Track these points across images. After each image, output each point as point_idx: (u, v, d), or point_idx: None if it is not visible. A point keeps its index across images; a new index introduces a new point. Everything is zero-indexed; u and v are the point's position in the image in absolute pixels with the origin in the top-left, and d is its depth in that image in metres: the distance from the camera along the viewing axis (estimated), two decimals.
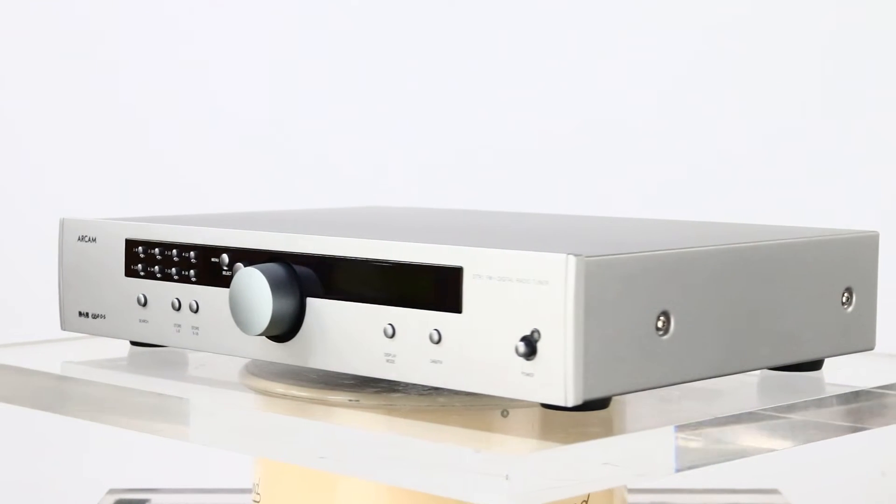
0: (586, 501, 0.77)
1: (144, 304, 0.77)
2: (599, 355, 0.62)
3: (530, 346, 0.62)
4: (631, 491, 0.89)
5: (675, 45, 1.36)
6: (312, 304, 0.70)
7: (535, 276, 0.62)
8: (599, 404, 0.65)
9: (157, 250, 0.77)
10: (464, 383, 0.65)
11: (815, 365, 0.75)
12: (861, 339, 0.75)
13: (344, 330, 0.69)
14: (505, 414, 0.69)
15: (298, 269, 0.70)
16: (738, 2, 1.35)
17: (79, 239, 0.80)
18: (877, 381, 0.74)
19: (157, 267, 0.77)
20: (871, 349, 0.76)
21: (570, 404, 0.62)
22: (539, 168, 1.35)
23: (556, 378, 0.62)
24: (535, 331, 0.62)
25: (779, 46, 1.35)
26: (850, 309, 0.74)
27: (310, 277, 0.70)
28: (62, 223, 0.81)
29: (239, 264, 0.73)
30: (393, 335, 0.67)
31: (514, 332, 0.63)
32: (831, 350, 0.74)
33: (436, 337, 0.65)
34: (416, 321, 0.66)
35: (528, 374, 0.62)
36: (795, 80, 1.34)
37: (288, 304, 0.70)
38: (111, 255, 0.79)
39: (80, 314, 0.80)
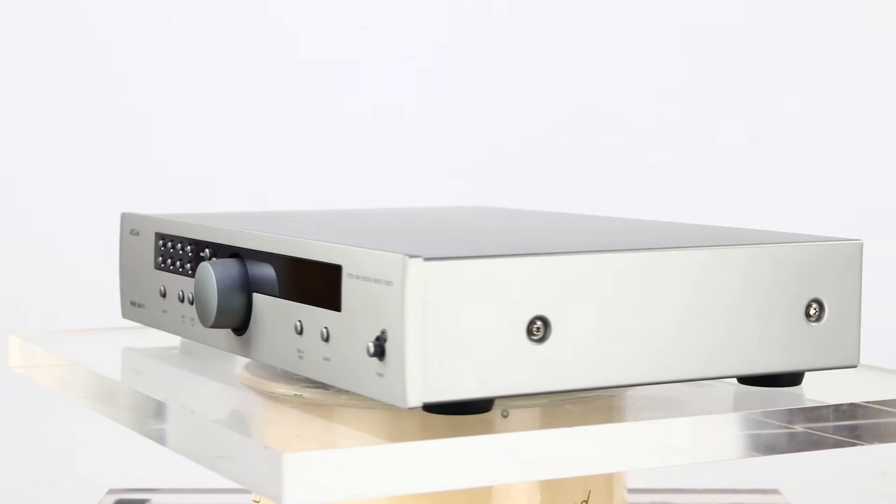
0: (586, 501, 0.75)
1: (164, 296, 0.81)
2: (446, 358, 0.61)
3: (379, 346, 0.62)
4: (631, 491, 0.86)
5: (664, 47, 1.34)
6: (256, 299, 0.72)
7: (384, 277, 0.62)
8: (479, 407, 0.64)
9: (170, 244, 0.81)
10: (344, 382, 0.65)
11: (793, 379, 0.71)
12: (836, 355, 0.70)
13: (272, 325, 0.71)
14: (505, 414, 0.68)
15: (250, 265, 0.73)
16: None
17: (130, 233, 0.85)
18: (826, 399, 0.69)
19: (169, 260, 0.81)
20: (854, 366, 0.70)
21: (409, 406, 0.61)
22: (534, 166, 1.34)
23: (399, 379, 0.61)
24: (384, 331, 0.62)
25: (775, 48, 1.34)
26: (820, 322, 0.69)
27: (255, 273, 0.72)
28: (122, 218, 0.87)
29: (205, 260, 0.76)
30: (301, 332, 0.68)
31: (370, 333, 0.63)
32: (789, 365, 0.69)
33: (325, 334, 0.66)
34: (312, 318, 0.67)
35: (380, 375, 0.62)
36: (794, 80, 1.35)
37: (233, 299, 0.72)
38: (148, 249, 0.83)
39: (132, 304, 0.86)
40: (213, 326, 0.73)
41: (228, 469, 0.62)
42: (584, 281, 0.64)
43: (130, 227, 0.86)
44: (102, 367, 0.81)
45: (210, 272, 0.72)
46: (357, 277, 0.64)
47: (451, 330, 0.61)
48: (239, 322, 0.73)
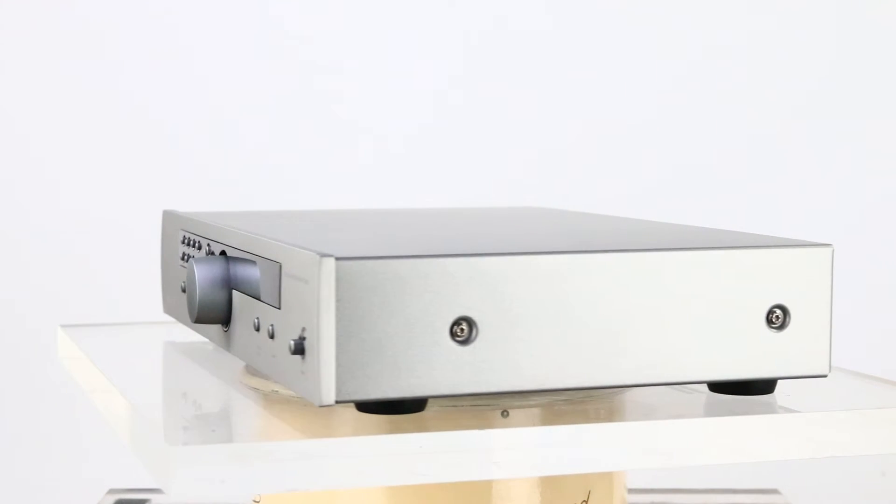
0: (586, 501, 0.74)
1: (183, 291, 0.83)
2: (361, 357, 0.61)
3: (300, 345, 0.63)
4: (631, 491, 0.84)
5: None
6: (235, 296, 0.73)
7: (303, 276, 0.62)
8: (412, 406, 0.64)
9: (189, 241, 0.83)
10: (281, 379, 0.66)
11: (765, 387, 0.68)
12: (803, 364, 0.67)
13: (242, 322, 0.72)
14: (505, 415, 0.69)
15: (231, 262, 0.74)
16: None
17: (167, 230, 0.88)
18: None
19: (187, 257, 0.83)
20: (823, 375, 0.68)
21: (323, 404, 0.62)
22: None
23: (315, 377, 0.62)
24: (304, 329, 0.63)
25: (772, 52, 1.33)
26: (784, 330, 0.67)
27: (234, 270, 0.73)
28: (163, 215, 0.89)
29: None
30: (258, 329, 0.69)
31: (296, 331, 0.64)
32: (749, 373, 0.67)
33: (270, 332, 0.67)
34: (264, 316, 0.68)
35: (302, 373, 0.63)
36: (791, 83, 1.34)
37: (214, 295, 0.74)
38: (176, 246, 0.86)
39: (169, 299, 0.88)
40: (196, 321, 0.74)
41: (144, 458, 0.64)
42: (513, 283, 0.63)
43: (167, 224, 0.88)
44: (110, 361, 0.84)
45: (193, 269, 0.74)
46: (290, 276, 0.64)
47: (366, 329, 0.61)
48: (221, 318, 0.74)
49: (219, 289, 0.74)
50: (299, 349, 0.63)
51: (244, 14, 1.41)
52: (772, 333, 0.67)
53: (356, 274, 0.61)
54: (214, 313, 0.74)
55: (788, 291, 0.67)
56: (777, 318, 0.67)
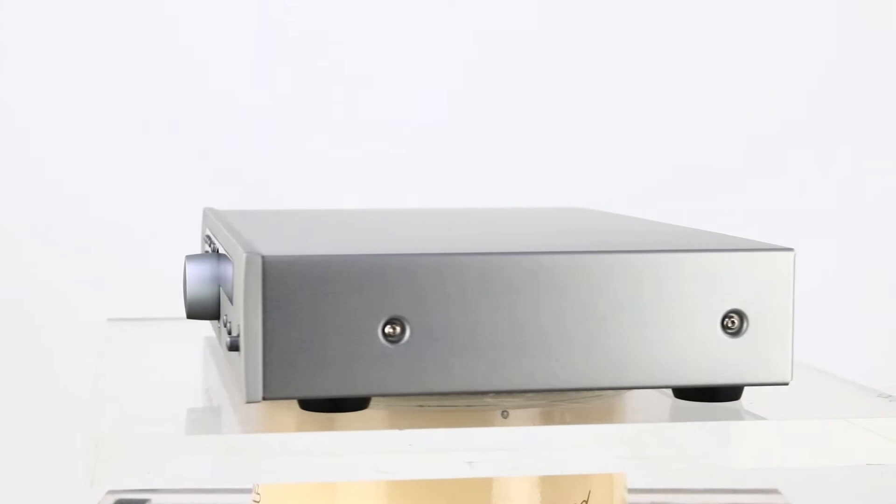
0: (586, 501, 0.74)
1: None
2: (289, 355, 0.62)
3: (235, 342, 0.64)
4: (631, 491, 0.83)
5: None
6: (221, 293, 0.75)
7: (240, 274, 0.63)
8: (353, 405, 0.64)
9: (208, 240, 0.84)
10: (232, 375, 0.67)
11: (731, 394, 0.67)
12: (763, 371, 0.65)
13: (222, 318, 0.73)
14: (505, 415, 0.69)
15: (220, 261, 0.75)
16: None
17: (203, 228, 0.90)
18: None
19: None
20: (785, 383, 0.65)
21: (249, 401, 0.62)
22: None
23: (243, 374, 0.62)
24: (238, 327, 0.63)
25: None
26: (740, 336, 0.65)
27: (221, 268, 0.75)
28: (203, 213, 0.91)
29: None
30: (226, 325, 0.70)
31: (236, 328, 0.64)
32: (703, 379, 0.65)
33: (229, 328, 0.68)
34: (228, 313, 0.69)
35: (237, 369, 0.64)
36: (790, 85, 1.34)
37: (201, 292, 0.75)
38: (203, 243, 0.88)
39: None
40: (189, 317, 0.76)
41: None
42: (446, 283, 0.63)
43: (203, 222, 0.90)
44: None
45: (185, 266, 0.75)
46: (237, 274, 0.65)
47: (296, 328, 0.62)
48: (210, 314, 0.75)
49: (207, 285, 0.75)
50: (235, 346, 0.63)
51: (259, 14, 1.43)
52: (727, 339, 0.65)
53: (284, 273, 0.62)
54: (202, 309, 0.75)
55: (745, 296, 0.65)
56: (733, 323, 0.65)
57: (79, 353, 1.33)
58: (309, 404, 0.65)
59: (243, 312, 0.62)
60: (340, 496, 0.73)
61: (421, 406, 0.69)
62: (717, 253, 0.65)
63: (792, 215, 1.39)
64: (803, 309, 1.37)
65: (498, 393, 0.66)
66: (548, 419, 0.69)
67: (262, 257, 0.62)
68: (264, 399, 0.62)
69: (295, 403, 0.65)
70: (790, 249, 0.65)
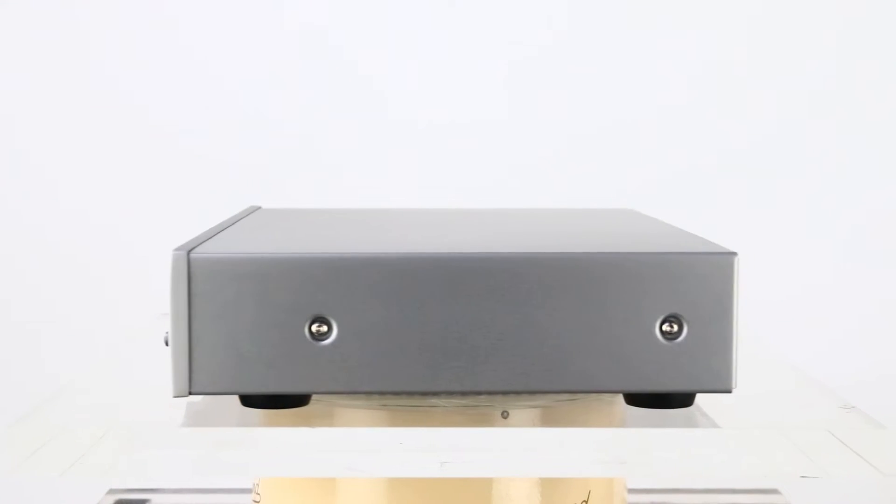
0: (586, 501, 0.73)
1: None
2: (214, 351, 0.63)
3: (166, 337, 0.64)
4: (631, 491, 0.81)
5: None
6: None
7: (169, 272, 0.64)
8: (294, 401, 0.65)
9: None
10: None
11: (683, 400, 0.65)
12: (703, 378, 0.63)
13: None
14: (505, 415, 0.69)
15: None
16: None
17: None
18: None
19: None
20: (727, 390, 0.63)
21: (176, 395, 0.63)
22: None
23: (171, 369, 0.63)
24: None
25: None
26: (678, 341, 0.63)
27: None
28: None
29: None
30: None
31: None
32: (640, 385, 0.63)
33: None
34: None
35: (169, 366, 0.65)
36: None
37: None
38: None
39: None
40: None
41: None
42: (373, 283, 0.63)
43: None
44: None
45: None
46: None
47: (222, 324, 0.63)
48: None
49: None
50: (167, 341, 0.64)
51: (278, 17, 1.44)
52: (666, 344, 0.63)
53: (210, 270, 0.63)
54: None
55: (684, 301, 0.63)
56: (671, 328, 0.63)
57: (74, 354, 1.37)
58: (248, 400, 0.65)
59: (171, 308, 0.63)
60: (340, 497, 0.73)
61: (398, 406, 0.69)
62: (654, 255, 0.63)
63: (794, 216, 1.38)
64: (806, 309, 1.38)
65: (426, 394, 0.65)
66: (549, 421, 0.69)
67: (188, 254, 0.62)
68: (191, 394, 0.63)
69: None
70: (733, 253, 0.63)
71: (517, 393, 0.64)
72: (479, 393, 0.64)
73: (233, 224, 0.77)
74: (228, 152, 1.42)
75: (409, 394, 0.66)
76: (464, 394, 0.66)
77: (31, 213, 1.43)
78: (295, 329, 0.63)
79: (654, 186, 1.39)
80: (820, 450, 0.62)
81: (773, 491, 1.05)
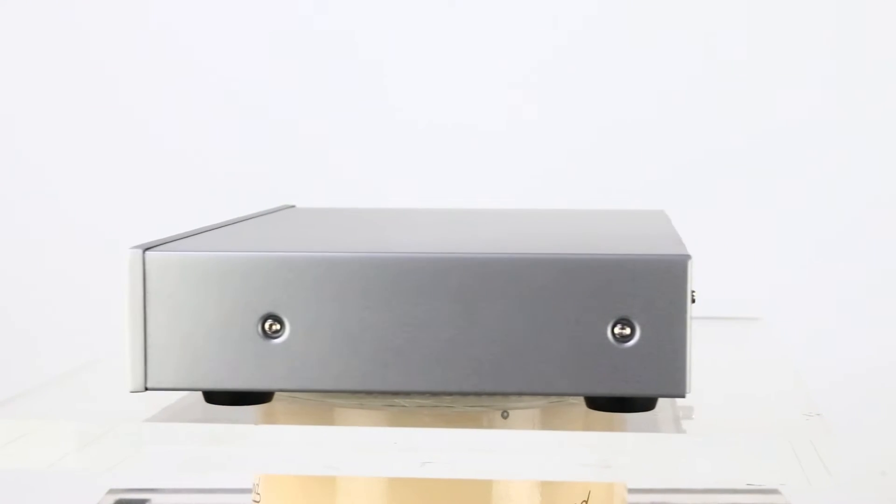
0: (586, 501, 0.73)
1: None
2: (167, 347, 0.64)
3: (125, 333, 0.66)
4: (631, 491, 0.80)
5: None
6: None
7: (126, 269, 0.65)
8: (257, 398, 0.65)
9: None
10: None
11: (645, 404, 0.65)
12: (656, 382, 0.63)
13: None
14: (505, 415, 0.70)
15: None
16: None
17: None
18: None
19: None
20: (681, 395, 0.63)
21: (132, 390, 0.64)
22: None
23: (128, 364, 0.65)
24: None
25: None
26: (629, 344, 0.63)
27: None
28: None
29: None
30: None
31: None
32: (593, 389, 0.63)
33: None
34: None
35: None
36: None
37: None
38: None
39: None
40: None
41: None
42: (324, 283, 0.63)
43: None
44: None
45: None
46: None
47: (176, 321, 0.64)
48: None
49: None
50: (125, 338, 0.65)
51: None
52: (617, 348, 0.63)
53: (164, 266, 0.64)
54: None
55: (636, 304, 0.63)
56: (622, 332, 0.63)
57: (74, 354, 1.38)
58: (210, 397, 0.66)
59: (127, 305, 0.64)
60: (340, 497, 0.74)
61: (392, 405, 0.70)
62: (605, 257, 0.63)
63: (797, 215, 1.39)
64: (810, 309, 1.36)
65: (378, 393, 0.66)
66: (548, 423, 0.69)
67: (143, 252, 0.64)
68: (147, 389, 0.64)
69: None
70: (686, 256, 0.63)
71: (466, 394, 0.64)
72: (432, 393, 0.64)
73: (232, 224, 0.78)
74: (231, 153, 1.45)
75: (361, 393, 0.66)
76: (417, 394, 0.66)
77: (31, 213, 1.46)
78: (247, 327, 0.63)
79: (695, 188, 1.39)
80: (769, 457, 0.62)
81: (774, 491, 1.04)
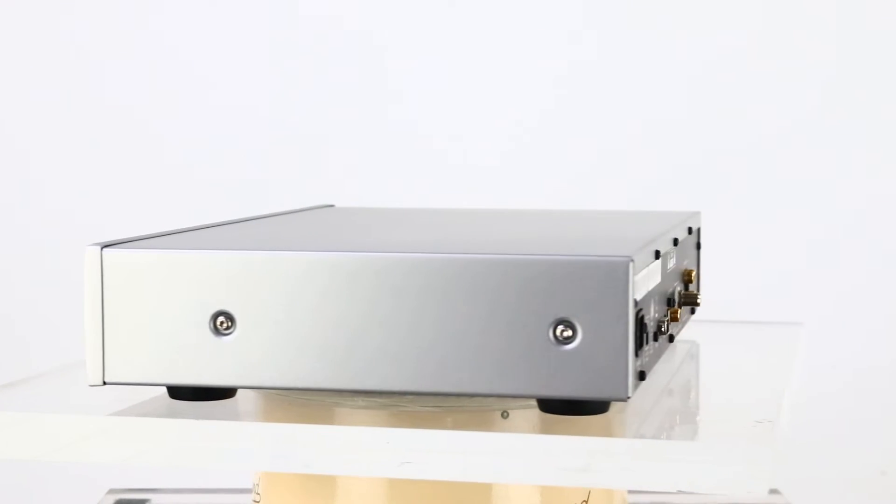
0: (586, 501, 0.74)
1: None
2: (123, 343, 0.66)
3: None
4: (631, 491, 0.80)
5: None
6: None
7: (84, 266, 0.67)
8: (221, 394, 0.67)
9: None
10: None
11: (598, 407, 0.65)
12: (597, 384, 0.63)
13: None
14: (505, 416, 0.71)
15: None
16: None
17: None
18: None
19: None
20: (623, 398, 0.63)
21: (90, 384, 0.66)
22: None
23: (87, 360, 0.67)
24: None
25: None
26: (570, 346, 0.63)
27: None
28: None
29: None
30: None
31: None
32: (536, 390, 0.63)
33: None
34: None
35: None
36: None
37: None
38: None
39: None
40: None
41: None
42: (274, 280, 0.65)
43: None
44: None
45: None
46: None
47: (132, 316, 0.65)
48: None
49: None
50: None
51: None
52: (558, 350, 0.63)
53: (120, 264, 0.65)
54: None
55: (576, 305, 0.63)
56: (562, 333, 0.63)
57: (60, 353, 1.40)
58: (174, 393, 0.68)
59: (86, 301, 0.66)
60: (340, 497, 0.75)
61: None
62: (544, 259, 0.63)
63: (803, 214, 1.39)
64: (812, 309, 1.34)
65: (326, 391, 0.67)
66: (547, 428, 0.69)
67: (101, 250, 0.65)
68: (105, 384, 0.66)
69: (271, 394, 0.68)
70: (626, 258, 0.63)
71: (409, 394, 0.65)
72: (377, 392, 0.65)
73: (226, 224, 0.80)
74: (235, 154, 1.46)
75: (309, 391, 0.67)
76: (363, 393, 0.67)
77: (31, 214, 1.49)
78: (200, 324, 0.65)
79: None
80: (709, 463, 0.62)
81: (774, 491, 1.03)
